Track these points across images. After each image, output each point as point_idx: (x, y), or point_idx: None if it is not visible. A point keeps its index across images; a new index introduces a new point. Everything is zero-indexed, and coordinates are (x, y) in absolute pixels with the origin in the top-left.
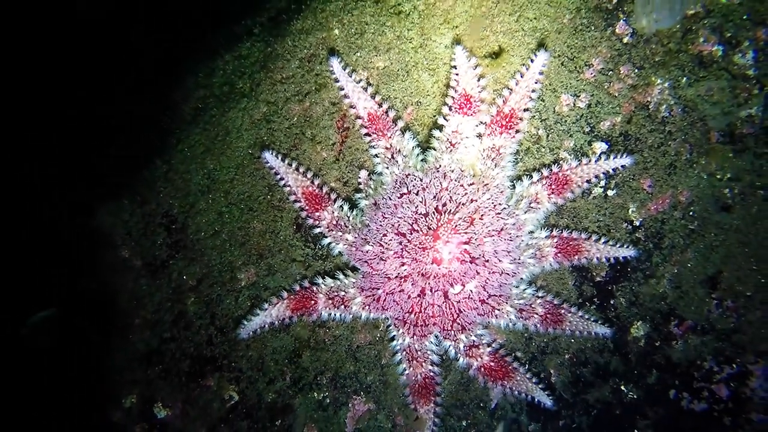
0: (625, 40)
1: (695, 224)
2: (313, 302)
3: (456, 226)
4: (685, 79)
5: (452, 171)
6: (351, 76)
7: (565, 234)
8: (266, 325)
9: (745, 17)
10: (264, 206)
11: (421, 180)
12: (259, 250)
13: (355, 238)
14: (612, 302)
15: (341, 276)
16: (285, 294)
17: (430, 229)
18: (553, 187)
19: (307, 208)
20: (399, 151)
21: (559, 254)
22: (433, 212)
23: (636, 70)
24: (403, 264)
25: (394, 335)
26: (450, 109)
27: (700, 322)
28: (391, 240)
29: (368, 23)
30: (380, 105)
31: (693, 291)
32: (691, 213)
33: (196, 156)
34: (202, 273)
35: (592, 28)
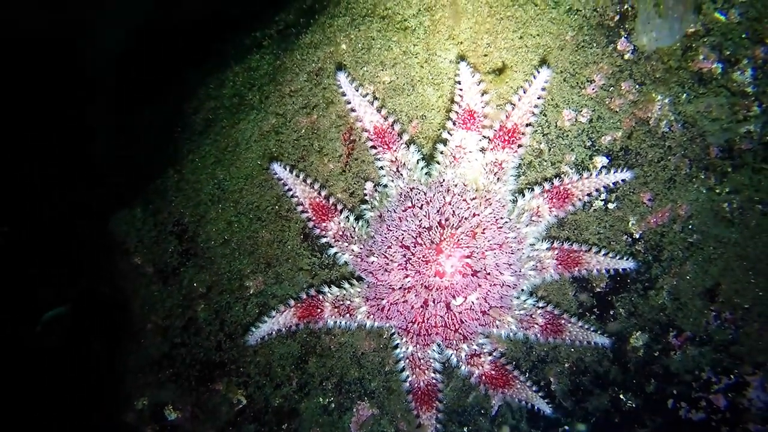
0: (626, 57)
1: (694, 237)
2: (319, 310)
3: (458, 240)
4: (685, 95)
5: (455, 185)
6: (358, 90)
7: (565, 246)
8: (273, 332)
9: (743, 36)
10: (272, 216)
11: (425, 194)
12: (267, 258)
13: (361, 249)
14: (611, 313)
15: (347, 285)
16: (292, 302)
17: (433, 242)
18: (554, 200)
19: (314, 218)
20: (404, 164)
21: (559, 266)
22: (437, 226)
23: (637, 87)
24: (406, 276)
25: (398, 343)
26: (454, 124)
27: (698, 333)
28: (395, 252)
29: (375, 39)
30: (386, 118)
31: (691, 303)
32: (690, 226)
33: (207, 166)
34: (211, 280)
35: (594, 44)
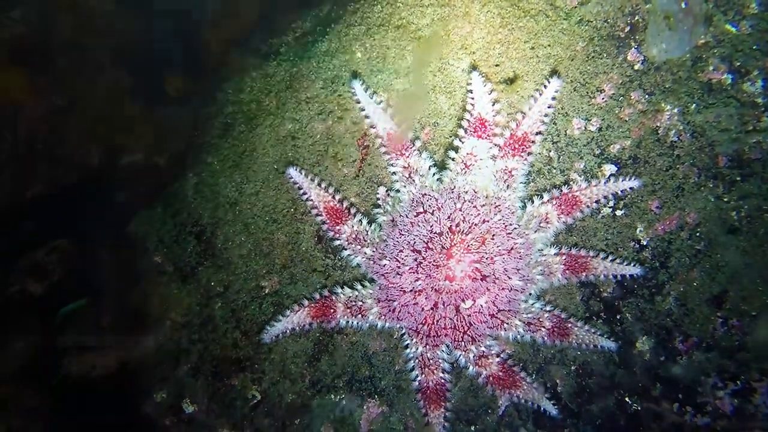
0: (636, 67)
1: (702, 245)
2: (332, 310)
3: (468, 246)
4: (694, 105)
5: (466, 192)
6: (372, 98)
7: (573, 251)
8: (288, 331)
9: (754, 47)
10: (288, 219)
11: (437, 200)
12: (283, 260)
13: (373, 252)
14: (618, 317)
15: (359, 287)
16: (306, 302)
17: (443, 248)
18: (562, 207)
19: (328, 221)
20: (416, 170)
21: (567, 271)
22: (447, 232)
23: (646, 96)
24: (417, 279)
25: (408, 344)
26: (465, 132)
27: (705, 338)
28: (406, 256)
29: (389, 47)
30: (399, 125)
31: (698, 309)
32: (698, 234)
33: (225, 170)
34: (228, 280)
35: (605, 55)
